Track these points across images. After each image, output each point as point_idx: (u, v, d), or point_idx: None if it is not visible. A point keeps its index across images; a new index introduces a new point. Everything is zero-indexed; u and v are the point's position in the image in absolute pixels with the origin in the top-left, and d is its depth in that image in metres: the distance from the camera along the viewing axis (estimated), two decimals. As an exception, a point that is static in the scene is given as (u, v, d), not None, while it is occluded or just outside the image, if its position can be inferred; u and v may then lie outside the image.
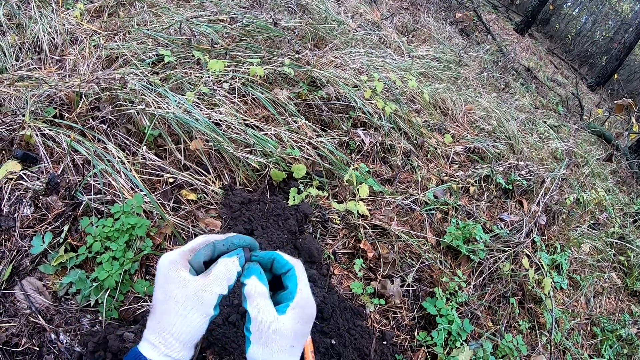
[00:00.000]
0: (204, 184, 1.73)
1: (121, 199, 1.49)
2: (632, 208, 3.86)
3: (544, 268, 2.25)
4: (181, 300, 0.69)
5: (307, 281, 0.79)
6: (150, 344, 0.69)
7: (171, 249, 1.47)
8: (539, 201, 2.68)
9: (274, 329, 0.76)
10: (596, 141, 5.38)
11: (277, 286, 0.82)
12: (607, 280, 2.73)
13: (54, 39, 2.16)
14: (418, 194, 2.26)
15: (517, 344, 1.81)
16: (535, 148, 3.55)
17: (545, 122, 4.48)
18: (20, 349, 1.18)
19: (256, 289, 0.76)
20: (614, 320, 2.48)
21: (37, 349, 1.19)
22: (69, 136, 1.56)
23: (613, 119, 6.80)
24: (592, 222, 3.11)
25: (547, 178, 2.95)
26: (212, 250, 0.76)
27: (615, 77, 10.87)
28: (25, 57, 2.05)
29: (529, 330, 2.02)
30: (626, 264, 2.98)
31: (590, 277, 2.58)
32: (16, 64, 2.00)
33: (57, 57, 2.12)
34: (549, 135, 4.12)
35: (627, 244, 3.10)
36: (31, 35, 2.10)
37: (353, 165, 2.12)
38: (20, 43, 2.07)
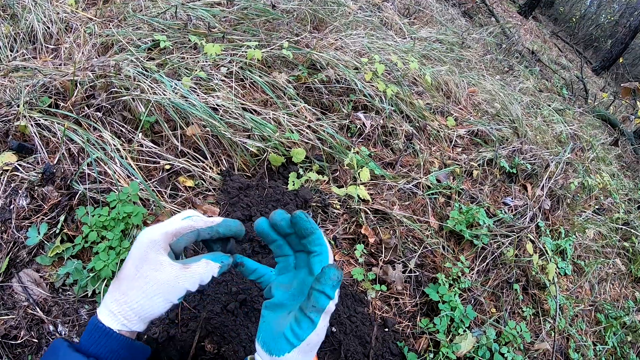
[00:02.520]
0: (201, 170, 1.70)
1: (117, 187, 1.47)
2: (636, 193, 3.82)
3: (548, 253, 2.23)
4: (151, 282, 0.71)
5: None
6: (110, 312, 0.71)
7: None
8: (543, 185, 2.65)
9: None
10: (601, 125, 5.32)
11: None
12: (611, 266, 2.70)
13: (48, 27, 2.11)
14: (420, 177, 2.22)
15: (521, 330, 1.79)
16: (540, 131, 3.49)
17: (549, 106, 4.42)
18: (19, 342, 1.17)
19: None
20: (618, 307, 2.46)
21: (36, 340, 1.19)
22: (63, 125, 1.53)
23: (618, 104, 6.72)
24: (596, 207, 3.07)
25: (552, 162, 2.90)
26: (196, 236, 0.77)
27: (621, 61, 10.77)
28: (20, 47, 2.02)
29: (532, 317, 2.00)
30: (631, 250, 2.94)
31: (595, 263, 2.55)
32: (10, 55, 1.97)
33: (52, 46, 2.09)
34: (554, 118, 4.06)
35: (632, 230, 3.06)
36: (25, 25, 2.06)
37: (354, 148, 2.09)
38: (14, 33, 2.03)
